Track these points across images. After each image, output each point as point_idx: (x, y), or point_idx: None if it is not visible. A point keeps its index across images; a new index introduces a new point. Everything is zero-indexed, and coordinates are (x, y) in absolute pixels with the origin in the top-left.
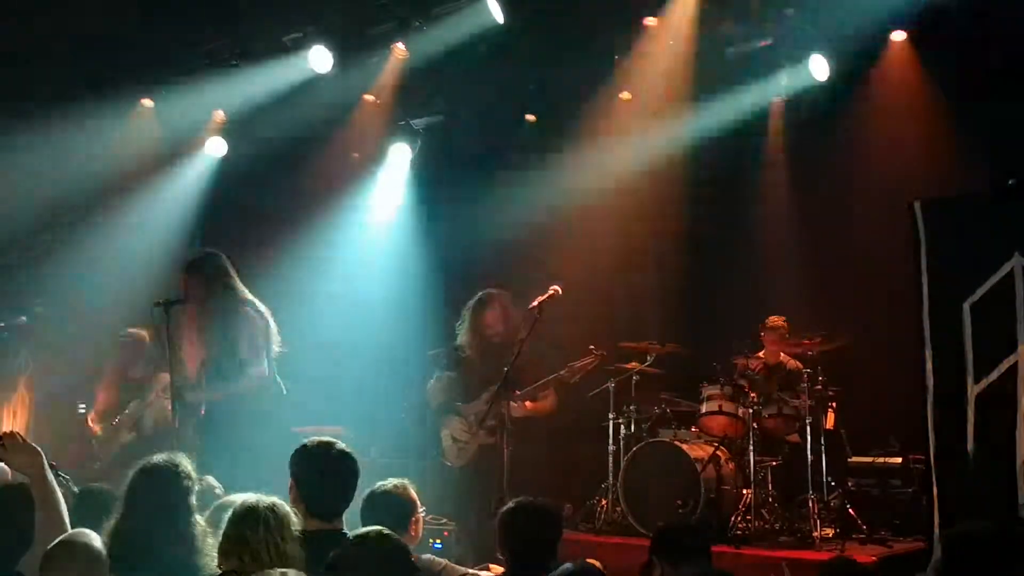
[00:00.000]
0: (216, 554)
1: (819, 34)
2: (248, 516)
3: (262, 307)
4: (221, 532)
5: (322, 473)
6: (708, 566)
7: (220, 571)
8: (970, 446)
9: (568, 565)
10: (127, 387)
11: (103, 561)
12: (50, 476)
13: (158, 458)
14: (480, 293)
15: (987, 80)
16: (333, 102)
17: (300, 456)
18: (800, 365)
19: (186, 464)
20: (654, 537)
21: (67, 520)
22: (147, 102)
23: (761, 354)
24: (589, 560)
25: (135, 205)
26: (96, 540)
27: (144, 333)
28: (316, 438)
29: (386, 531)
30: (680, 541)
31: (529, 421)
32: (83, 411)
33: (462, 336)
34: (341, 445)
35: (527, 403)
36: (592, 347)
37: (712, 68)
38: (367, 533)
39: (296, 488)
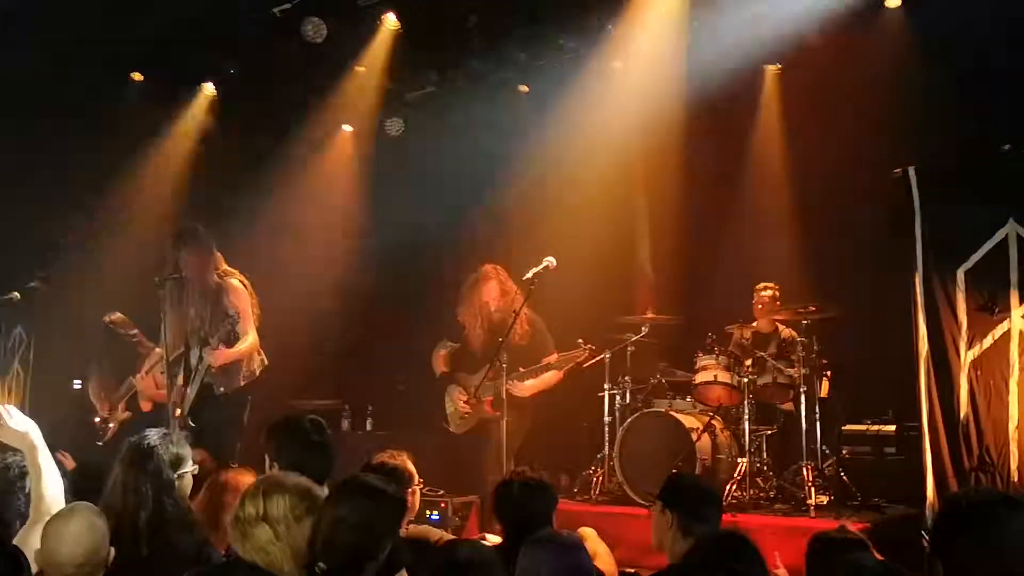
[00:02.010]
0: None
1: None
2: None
3: (245, 281)
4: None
5: (303, 443)
6: (719, 518)
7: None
8: (963, 413)
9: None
10: (117, 367)
11: (104, 533)
12: (43, 451)
13: (145, 434)
14: (476, 272)
15: (982, 45)
16: (324, 73)
17: (279, 427)
18: (795, 334)
19: (178, 440)
20: (668, 487)
21: (62, 495)
22: (136, 75)
23: (755, 323)
24: (584, 527)
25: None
26: (96, 512)
27: (120, 316)
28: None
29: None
30: (696, 490)
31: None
32: (79, 387)
33: (462, 313)
34: (313, 416)
35: (531, 380)
36: (581, 340)
37: (705, 35)
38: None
39: (279, 460)
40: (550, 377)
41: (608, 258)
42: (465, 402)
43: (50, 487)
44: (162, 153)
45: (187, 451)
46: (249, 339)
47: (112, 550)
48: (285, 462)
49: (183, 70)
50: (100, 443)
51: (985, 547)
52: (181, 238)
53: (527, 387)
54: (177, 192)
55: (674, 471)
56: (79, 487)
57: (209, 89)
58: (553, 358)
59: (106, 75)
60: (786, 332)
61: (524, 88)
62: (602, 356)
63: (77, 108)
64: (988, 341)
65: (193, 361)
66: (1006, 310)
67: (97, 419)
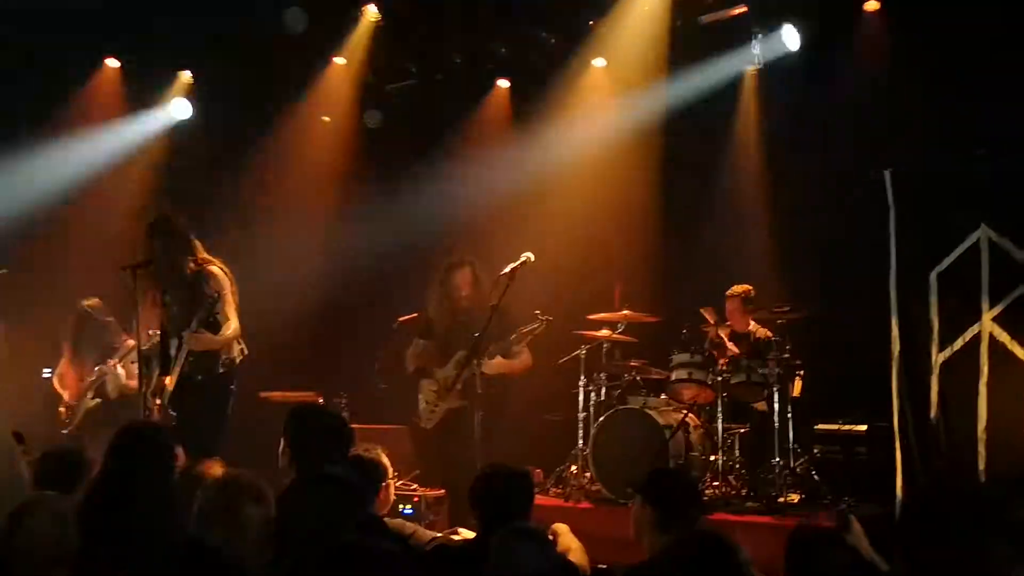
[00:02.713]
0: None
1: (793, 3)
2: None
3: (225, 269)
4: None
5: (316, 434)
6: (700, 516)
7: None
8: (933, 413)
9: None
10: (90, 353)
11: (68, 521)
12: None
13: (143, 422)
14: (450, 258)
15: (959, 51)
16: (303, 64)
17: (294, 419)
18: (769, 333)
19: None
20: (649, 482)
21: (25, 483)
22: (112, 61)
23: (728, 323)
24: (557, 523)
25: (100, 167)
26: (61, 501)
27: (97, 302)
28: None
29: None
30: (677, 485)
31: (501, 385)
32: (48, 375)
33: (432, 301)
34: (331, 409)
35: (498, 359)
36: (538, 312)
37: (686, 36)
38: None
39: (290, 450)
40: (517, 363)
41: (585, 254)
42: (435, 392)
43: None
44: (136, 142)
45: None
46: (232, 325)
47: (78, 539)
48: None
49: (160, 57)
50: (65, 431)
51: (947, 545)
52: (156, 226)
53: (493, 365)
54: (150, 181)
55: (656, 467)
56: (42, 477)
57: (186, 76)
58: (513, 336)
59: (80, 60)
60: (761, 331)
61: (505, 83)
62: (578, 352)
63: (53, 95)
64: (959, 343)
65: (172, 351)
66: (977, 314)
67: (62, 408)
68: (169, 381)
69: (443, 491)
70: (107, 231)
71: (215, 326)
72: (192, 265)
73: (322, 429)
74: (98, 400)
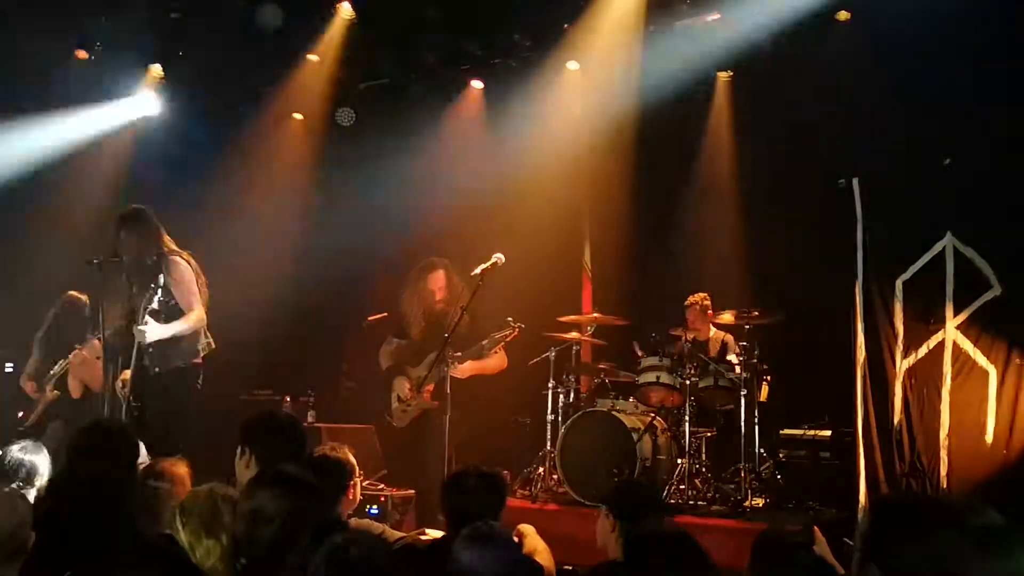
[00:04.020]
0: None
1: (766, 9)
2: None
3: (192, 260)
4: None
5: (275, 437)
6: (662, 524)
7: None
8: (896, 419)
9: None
10: (59, 348)
11: (24, 516)
12: None
13: (105, 419)
14: (423, 261)
15: (927, 59)
16: (276, 59)
17: (253, 422)
18: (732, 339)
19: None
20: (613, 494)
21: None
22: (81, 53)
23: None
24: (523, 524)
25: (68, 162)
26: (15, 496)
27: (83, 297)
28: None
29: None
30: (639, 497)
31: (472, 386)
32: (10, 370)
33: (405, 302)
34: (287, 411)
35: (469, 363)
36: (510, 319)
37: (660, 40)
38: None
39: (249, 452)
40: (492, 363)
41: (555, 257)
42: (408, 390)
43: None
44: (106, 135)
45: None
46: (193, 316)
47: (32, 535)
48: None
49: (131, 50)
50: (21, 428)
51: (926, 549)
52: (124, 219)
53: (464, 369)
54: (115, 175)
55: (615, 477)
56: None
57: (157, 70)
58: (485, 341)
59: (50, 52)
60: (725, 337)
61: (478, 84)
62: (547, 354)
63: (18, 88)
64: (923, 350)
65: (137, 332)
66: (941, 321)
67: (21, 412)
68: (126, 375)
69: (411, 491)
70: (71, 224)
71: (173, 317)
72: (153, 256)
73: (274, 429)
74: (57, 393)
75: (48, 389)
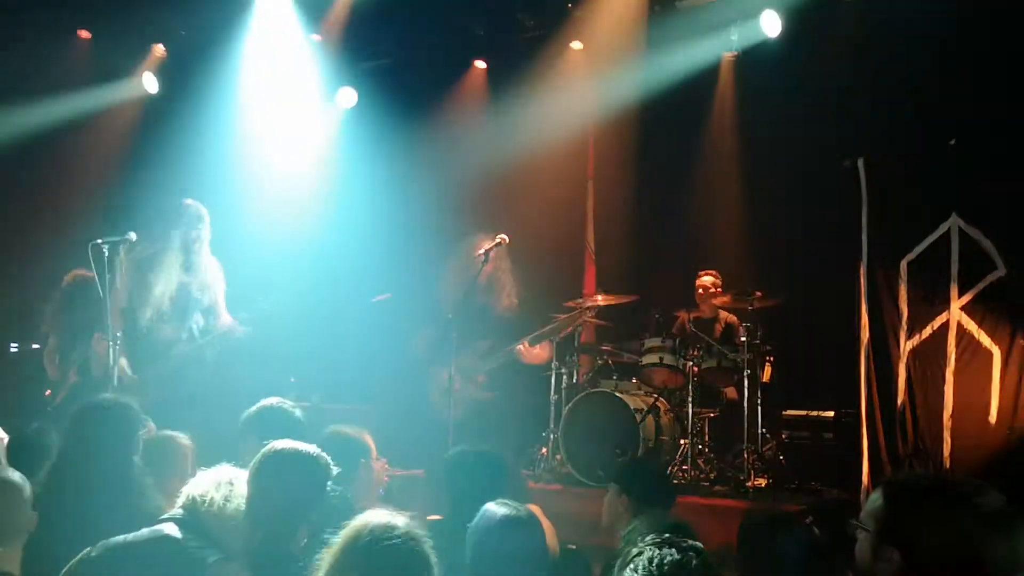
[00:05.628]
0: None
1: None
2: None
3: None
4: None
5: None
6: (673, 502)
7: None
8: (900, 400)
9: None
10: (78, 329)
11: (24, 496)
12: None
13: (104, 396)
14: (472, 248)
15: (932, 41)
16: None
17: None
18: (736, 319)
19: (134, 404)
20: (625, 473)
21: None
22: (83, 33)
23: (698, 309)
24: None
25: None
26: (15, 475)
27: (91, 275)
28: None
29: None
30: (651, 476)
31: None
32: (15, 350)
33: (447, 288)
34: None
35: (534, 349)
36: (580, 301)
37: (664, 21)
38: None
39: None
40: (544, 353)
41: (559, 237)
42: (457, 380)
43: None
44: (107, 113)
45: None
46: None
47: (35, 516)
48: None
49: (133, 30)
50: (50, 407)
51: (947, 528)
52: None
53: (536, 353)
54: (118, 156)
55: (619, 457)
56: (12, 457)
57: (159, 51)
58: (562, 317)
59: (53, 31)
60: (730, 318)
61: (482, 64)
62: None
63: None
64: (927, 331)
65: (194, 327)
66: (946, 302)
67: (48, 391)
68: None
69: (414, 471)
70: (70, 202)
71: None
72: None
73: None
74: (78, 379)
75: (72, 373)
